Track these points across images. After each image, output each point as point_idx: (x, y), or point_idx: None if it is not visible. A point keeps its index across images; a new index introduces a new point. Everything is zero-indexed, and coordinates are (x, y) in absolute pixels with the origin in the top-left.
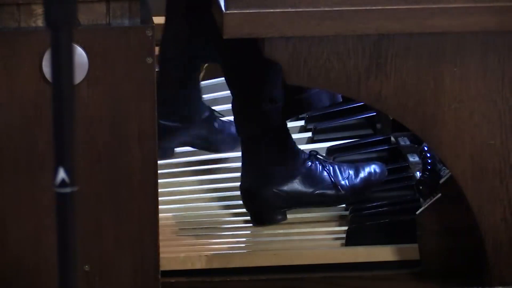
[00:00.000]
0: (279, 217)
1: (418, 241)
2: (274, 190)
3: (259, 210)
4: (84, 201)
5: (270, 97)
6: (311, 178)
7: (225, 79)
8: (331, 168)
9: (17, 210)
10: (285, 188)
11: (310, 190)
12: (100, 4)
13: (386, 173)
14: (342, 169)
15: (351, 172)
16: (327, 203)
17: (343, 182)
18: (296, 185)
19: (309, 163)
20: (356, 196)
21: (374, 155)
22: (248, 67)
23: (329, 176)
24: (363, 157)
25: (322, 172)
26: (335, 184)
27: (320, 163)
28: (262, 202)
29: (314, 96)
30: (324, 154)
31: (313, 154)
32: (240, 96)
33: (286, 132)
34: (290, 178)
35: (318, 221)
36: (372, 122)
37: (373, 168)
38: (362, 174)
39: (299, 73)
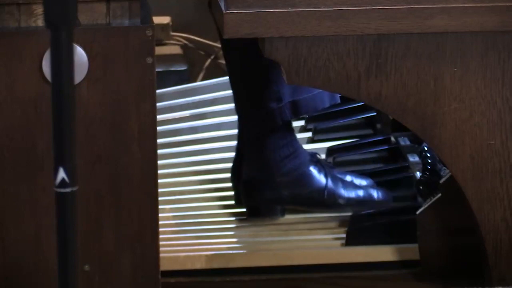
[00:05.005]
0: (277, 213)
1: (418, 241)
2: (275, 185)
3: (257, 204)
4: (84, 201)
5: (277, 96)
6: (311, 179)
7: (230, 79)
8: (333, 176)
9: (17, 210)
10: (286, 184)
11: (308, 191)
12: (100, 4)
13: (391, 202)
14: (344, 181)
15: (354, 186)
16: (322, 208)
17: (342, 191)
18: (296, 184)
19: (313, 165)
20: (352, 209)
21: (374, 155)
22: (255, 67)
23: (329, 182)
24: (363, 157)
25: (323, 176)
26: (333, 191)
27: (324, 169)
28: (262, 195)
29: (316, 97)
30: (324, 157)
31: (317, 159)
32: (247, 97)
33: (291, 131)
34: (291, 176)
35: (318, 221)
36: (372, 122)
37: (379, 192)
38: (364, 192)
39: (299, 73)
